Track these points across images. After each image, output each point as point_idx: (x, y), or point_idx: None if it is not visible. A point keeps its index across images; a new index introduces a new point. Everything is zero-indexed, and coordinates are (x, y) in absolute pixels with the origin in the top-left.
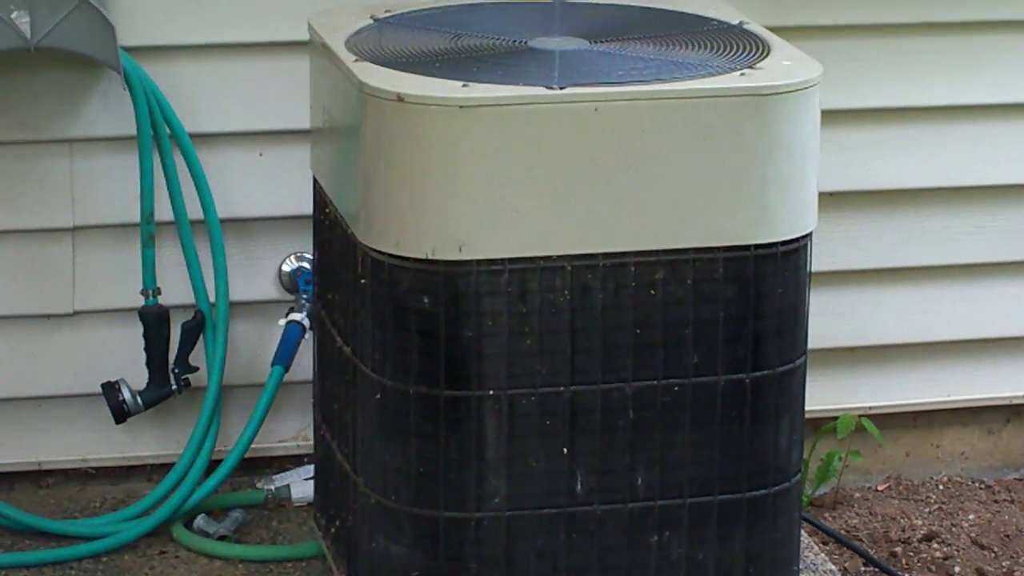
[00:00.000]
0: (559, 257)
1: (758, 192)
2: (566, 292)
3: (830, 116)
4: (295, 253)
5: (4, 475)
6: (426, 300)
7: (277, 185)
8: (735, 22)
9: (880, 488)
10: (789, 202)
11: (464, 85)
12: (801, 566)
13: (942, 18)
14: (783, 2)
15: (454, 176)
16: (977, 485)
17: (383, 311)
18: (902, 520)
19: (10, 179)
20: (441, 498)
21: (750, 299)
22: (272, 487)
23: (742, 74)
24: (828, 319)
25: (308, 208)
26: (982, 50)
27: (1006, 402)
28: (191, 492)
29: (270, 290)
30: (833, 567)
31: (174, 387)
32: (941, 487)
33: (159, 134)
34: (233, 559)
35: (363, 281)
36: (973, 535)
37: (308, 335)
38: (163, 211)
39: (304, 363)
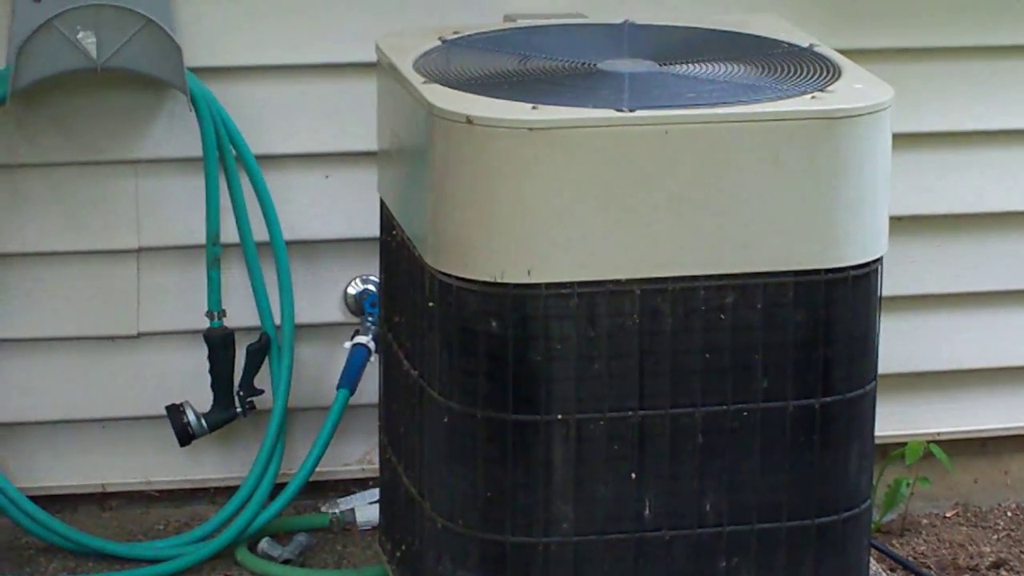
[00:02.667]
0: (628, 281)
1: (829, 216)
2: (635, 316)
3: (901, 139)
4: (361, 276)
5: (68, 497)
6: (494, 323)
7: (343, 207)
8: (805, 45)
9: (948, 515)
10: (860, 226)
11: (533, 107)
12: None
13: (1014, 41)
14: (854, 25)
15: (523, 199)
16: None
17: (450, 334)
18: (970, 547)
19: (76, 200)
20: (508, 523)
21: (820, 324)
22: (337, 511)
23: (813, 97)
24: (897, 344)
25: (374, 230)
26: None
27: None
28: (255, 515)
29: (335, 313)
30: None
31: (239, 410)
32: (1009, 514)
33: (225, 155)
34: None
35: (430, 304)
36: None
37: (374, 358)
38: (229, 233)
39: (369, 386)
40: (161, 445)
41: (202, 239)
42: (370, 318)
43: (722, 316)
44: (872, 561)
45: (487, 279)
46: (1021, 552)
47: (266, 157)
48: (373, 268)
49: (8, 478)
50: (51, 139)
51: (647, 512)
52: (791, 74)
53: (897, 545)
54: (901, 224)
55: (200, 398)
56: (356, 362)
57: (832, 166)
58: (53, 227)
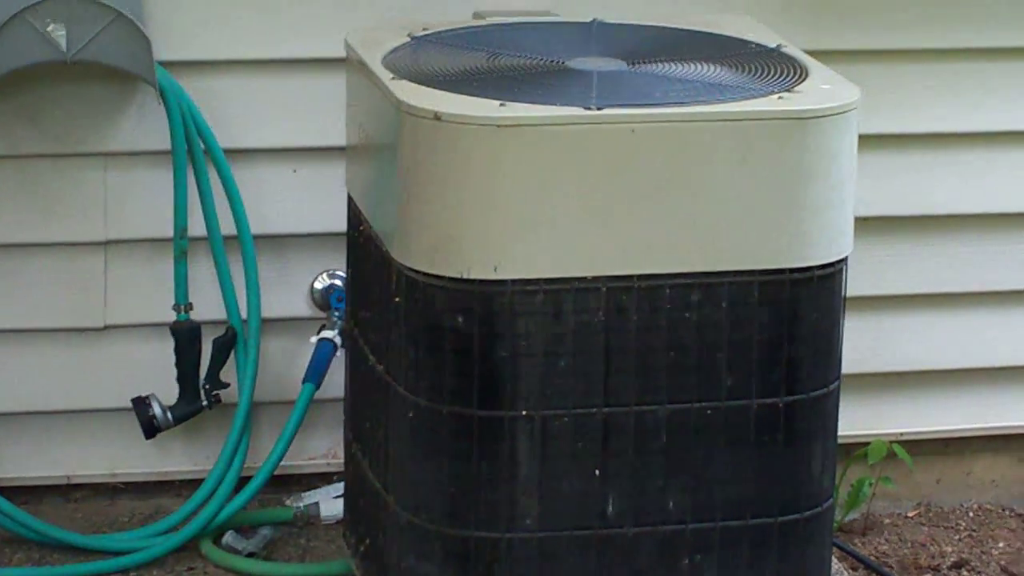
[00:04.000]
0: (594, 278)
1: (794, 216)
2: (601, 313)
3: (867, 140)
4: (328, 270)
5: (33, 488)
6: (461, 319)
7: (311, 202)
8: (773, 45)
9: (910, 514)
10: (825, 226)
11: (502, 104)
12: None
13: (982, 44)
14: (821, 25)
15: (491, 195)
16: (1008, 513)
17: (417, 330)
18: (932, 547)
19: (44, 192)
20: (473, 518)
21: (785, 323)
22: (301, 504)
23: (780, 97)
24: (861, 344)
25: (341, 225)
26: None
27: None
28: (220, 508)
29: (302, 307)
30: None
31: (204, 403)
32: (971, 514)
33: (193, 149)
34: None
35: (397, 299)
36: (1003, 563)
37: (340, 353)
38: (196, 226)
39: (335, 381)
40: (127, 437)
41: (170, 232)
42: (336, 313)
43: (687, 314)
44: (834, 560)
45: (454, 275)
46: (982, 552)
47: (235, 151)
48: (340, 263)
49: None
50: (21, 131)
51: (611, 509)
52: (759, 74)
53: (859, 544)
54: (866, 225)
55: (166, 391)
56: (322, 357)
57: (798, 166)
58: (21, 218)
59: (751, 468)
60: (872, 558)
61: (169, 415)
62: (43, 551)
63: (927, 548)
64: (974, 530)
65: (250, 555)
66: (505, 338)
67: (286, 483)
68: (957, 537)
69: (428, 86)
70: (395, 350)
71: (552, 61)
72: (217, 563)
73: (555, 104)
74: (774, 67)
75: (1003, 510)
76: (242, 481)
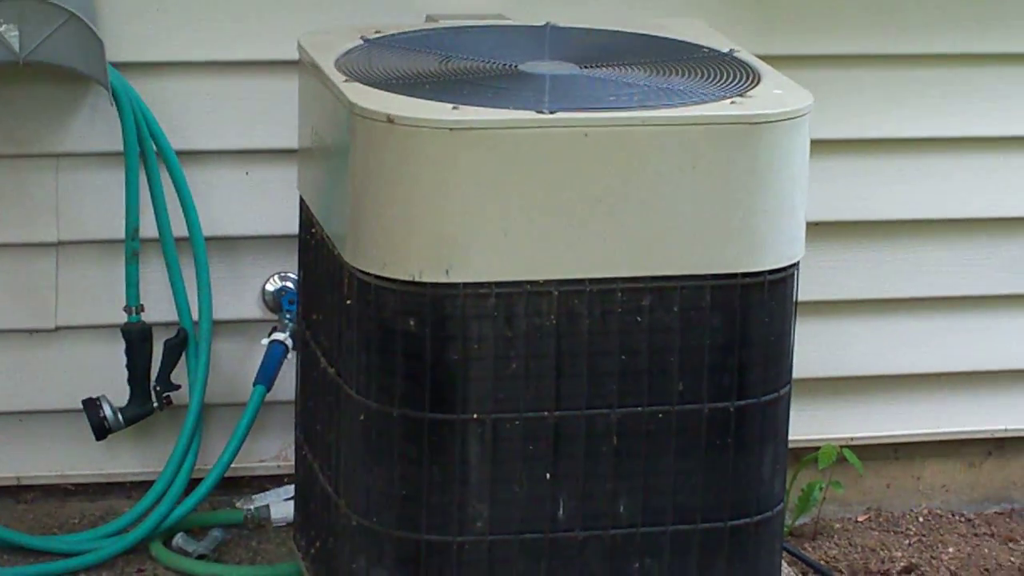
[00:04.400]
0: (546, 282)
1: (746, 220)
2: (552, 317)
3: (819, 146)
4: (279, 272)
5: None
6: (412, 322)
7: (263, 204)
8: (726, 50)
9: (860, 519)
10: (777, 231)
11: (454, 108)
12: None
13: (932, 50)
14: (774, 31)
15: (443, 198)
16: (957, 518)
17: (368, 333)
18: (882, 552)
19: None
20: (423, 521)
21: (736, 327)
22: (252, 507)
23: (732, 102)
24: (812, 349)
25: (294, 228)
26: (972, 82)
27: (988, 435)
28: (170, 510)
29: (254, 309)
30: None
31: (155, 404)
32: (921, 519)
33: (145, 150)
34: None
35: (349, 302)
36: (953, 568)
37: (291, 355)
38: (148, 228)
39: (286, 383)
40: (77, 439)
41: (122, 234)
42: (288, 315)
43: (639, 318)
44: (784, 564)
45: (406, 278)
46: (932, 557)
47: (187, 153)
48: (292, 265)
49: None
50: None
51: (561, 512)
52: (711, 79)
53: (809, 549)
54: (817, 230)
55: (117, 392)
56: (273, 359)
57: (750, 171)
58: None
59: (702, 472)
60: (822, 563)
61: (120, 416)
62: None
63: (877, 553)
64: (924, 535)
65: (200, 557)
66: (456, 341)
67: (236, 485)
68: (907, 542)
69: (381, 89)
70: (347, 353)
71: (505, 65)
72: (167, 565)
73: (508, 107)
74: (727, 72)
75: (953, 515)
76: (192, 483)
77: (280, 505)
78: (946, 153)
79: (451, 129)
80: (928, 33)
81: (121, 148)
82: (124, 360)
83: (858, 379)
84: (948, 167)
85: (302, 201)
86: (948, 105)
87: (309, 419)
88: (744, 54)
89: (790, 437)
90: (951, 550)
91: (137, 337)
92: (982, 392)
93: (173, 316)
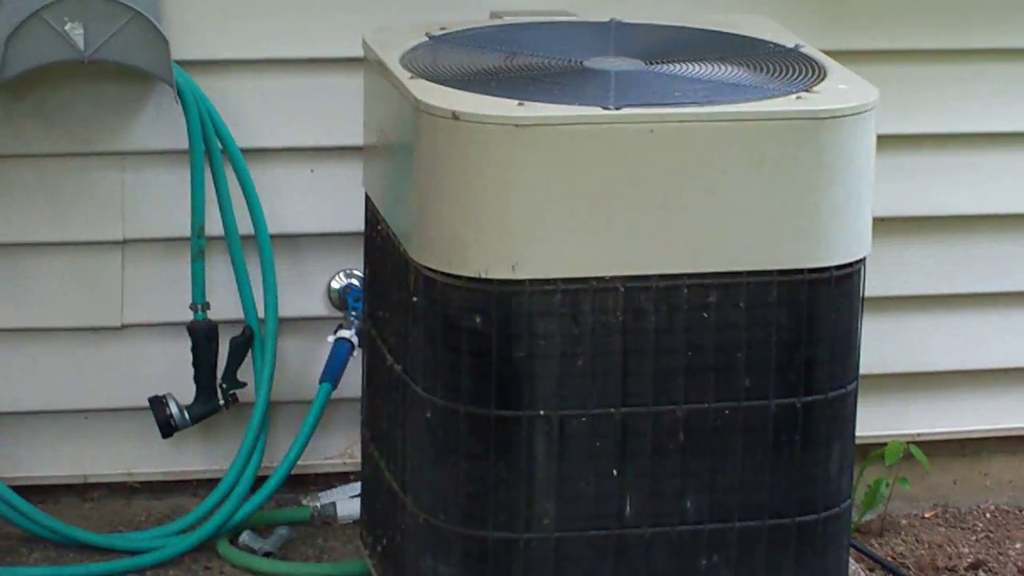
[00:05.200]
0: (612, 278)
1: (812, 216)
2: (618, 313)
3: (886, 141)
4: (345, 270)
5: (50, 488)
6: (478, 319)
7: (328, 201)
8: (791, 45)
9: (927, 515)
10: (843, 227)
11: (520, 104)
12: None
13: (1001, 44)
14: (840, 26)
15: (508, 195)
16: None
17: (434, 330)
18: (949, 548)
19: (61, 191)
20: (490, 518)
21: (803, 323)
22: (318, 504)
23: (798, 97)
24: (879, 345)
25: (358, 225)
26: None
27: None
28: (237, 508)
29: (319, 307)
30: None
31: (221, 402)
32: (988, 515)
33: (211, 148)
34: None
35: (415, 299)
36: (1020, 564)
37: (356, 353)
38: (213, 226)
39: (352, 381)
40: (143, 437)
41: (187, 231)
42: (353, 312)
43: (705, 315)
44: (851, 561)
45: (471, 275)
46: (999, 553)
47: (252, 150)
48: (357, 263)
49: None
50: (38, 130)
51: (628, 509)
52: (777, 74)
53: (876, 545)
54: (885, 225)
55: (183, 390)
56: (339, 356)
57: (816, 166)
58: (39, 218)
59: (768, 469)
60: (889, 559)
61: (186, 414)
62: (60, 550)
63: (944, 549)
64: (991, 531)
65: (267, 555)
66: (523, 338)
67: (303, 483)
68: (974, 538)
69: (446, 85)
70: (413, 350)
71: (570, 61)
72: (234, 563)
73: (573, 104)
74: (792, 67)
75: (1020, 511)
76: (259, 481)
77: (346, 503)
78: (1016, 148)
79: (516, 125)
80: (996, 28)
81: (186, 146)
82: (190, 358)
83: (925, 375)
84: (1016, 161)
85: (367, 198)
86: (1018, 100)
87: (375, 416)
88: (809, 49)
89: (857, 433)
90: (1018, 546)
91: (203, 335)
92: None
93: (239, 314)
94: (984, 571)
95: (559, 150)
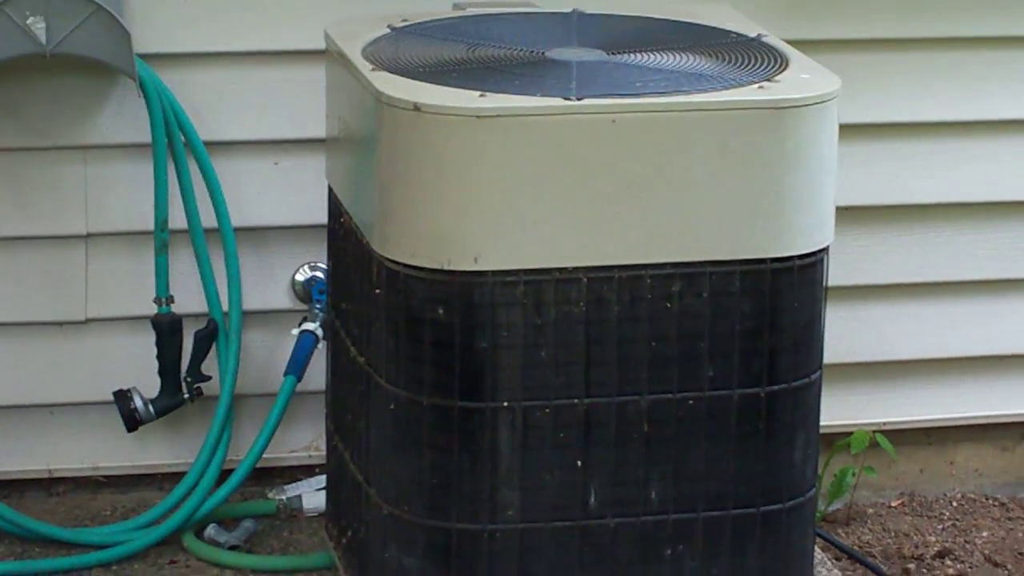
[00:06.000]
0: (575, 269)
1: (775, 205)
2: (581, 304)
3: (848, 130)
4: (309, 262)
5: (15, 482)
6: (441, 311)
7: (292, 194)
8: (753, 35)
9: (893, 504)
10: (806, 216)
11: (481, 95)
12: None
13: (961, 33)
14: (801, 15)
15: (470, 186)
16: (991, 502)
17: (397, 321)
18: (915, 536)
19: (24, 185)
20: (454, 510)
21: (766, 313)
22: (284, 497)
23: (760, 87)
24: (843, 334)
25: (323, 217)
26: (1001, 65)
27: (1021, 419)
28: (202, 501)
29: (283, 299)
30: None
31: (186, 396)
32: (955, 504)
33: (174, 142)
34: (244, 569)
35: (378, 291)
36: (987, 552)
37: (321, 345)
38: (177, 219)
39: (317, 373)
40: (108, 431)
41: (151, 225)
42: (318, 305)
43: (668, 304)
44: (817, 550)
45: (434, 266)
46: (966, 542)
47: (215, 143)
48: (321, 255)
49: None
50: (0, 124)
51: (592, 500)
52: (739, 64)
53: (843, 534)
54: (847, 214)
55: (148, 384)
56: (304, 349)
57: (779, 156)
58: (2, 212)
59: (733, 458)
60: (856, 548)
61: (151, 408)
62: (25, 545)
63: (911, 538)
64: (957, 519)
65: (232, 548)
66: (486, 329)
67: (268, 476)
68: (941, 527)
69: (408, 77)
70: (376, 342)
71: (532, 52)
72: (199, 556)
73: (535, 95)
74: (754, 57)
75: (986, 499)
76: (224, 474)
77: (312, 495)
78: (979, 137)
79: (478, 117)
80: (958, 16)
81: (149, 139)
82: (154, 351)
83: (891, 364)
84: (981, 150)
85: (331, 190)
86: (980, 88)
87: (340, 409)
88: (772, 39)
89: (822, 422)
90: (985, 534)
91: (167, 328)
92: (1014, 376)
93: (203, 307)
94: (951, 559)
95: (521, 141)
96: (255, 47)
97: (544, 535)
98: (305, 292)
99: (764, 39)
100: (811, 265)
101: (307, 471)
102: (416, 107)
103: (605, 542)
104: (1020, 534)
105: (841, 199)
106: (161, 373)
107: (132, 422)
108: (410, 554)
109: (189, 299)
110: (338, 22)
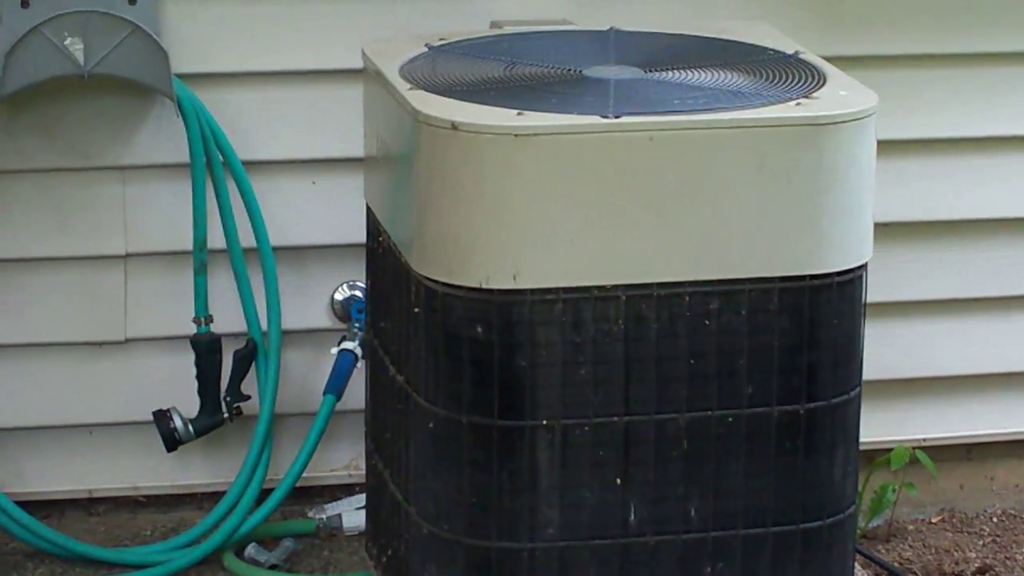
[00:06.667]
0: (613, 287)
1: (813, 222)
2: (620, 322)
3: (886, 146)
4: (348, 281)
5: (55, 502)
6: (479, 329)
7: (330, 213)
8: (790, 52)
9: (934, 520)
10: (844, 232)
11: (519, 114)
12: None
13: (998, 48)
14: (839, 32)
15: (508, 205)
16: None
17: (436, 340)
18: (956, 553)
19: (63, 206)
20: (494, 528)
21: (805, 329)
22: (323, 516)
23: (798, 104)
24: (883, 350)
25: (361, 236)
26: None
27: None
28: (242, 521)
29: (322, 319)
30: None
31: (225, 415)
32: (995, 520)
33: (212, 161)
34: None
35: (416, 310)
36: None
37: (360, 364)
38: (216, 239)
39: (356, 392)
40: (148, 451)
41: (189, 245)
42: (357, 324)
43: (707, 322)
44: (858, 567)
45: (472, 285)
46: (1006, 558)
47: (253, 163)
48: (360, 274)
49: None
50: (39, 145)
51: (632, 517)
52: (776, 81)
53: (883, 551)
54: (887, 230)
55: (187, 404)
56: (343, 368)
57: (817, 172)
58: (41, 232)
59: (772, 475)
60: (896, 564)
61: (190, 428)
62: (65, 565)
63: (951, 554)
64: (998, 535)
65: (272, 567)
66: (524, 348)
67: (308, 495)
68: (981, 543)
69: (445, 96)
70: (415, 360)
71: (569, 70)
72: (239, 575)
73: (572, 113)
74: (792, 73)
75: None
76: (264, 493)
77: (352, 514)
78: (1018, 152)
79: (515, 135)
80: (996, 32)
81: (187, 159)
82: (194, 371)
83: (930, 380)
84: (1017, 165)
85: (369, 209)
86: (1021, 104)
87: (379, 427)
88: (809, 55)
89: (862, 439)
90: None
91: (206, 348)
92: None
93: (242, 327)
94: (991, 575)
95: (558, 159)
96: (292, 66)
97: (584, 553)
98: (344, 311)
99: (801, 56)
100: (850, 281)
101: (347, 490)
102: (454, 126)
103: (645, 560)
104: None
105: (882, 215)
106: (200, 393)
107: (172, 442)
108: (450, 573)
109: (228, 319)
110: (375, 41)
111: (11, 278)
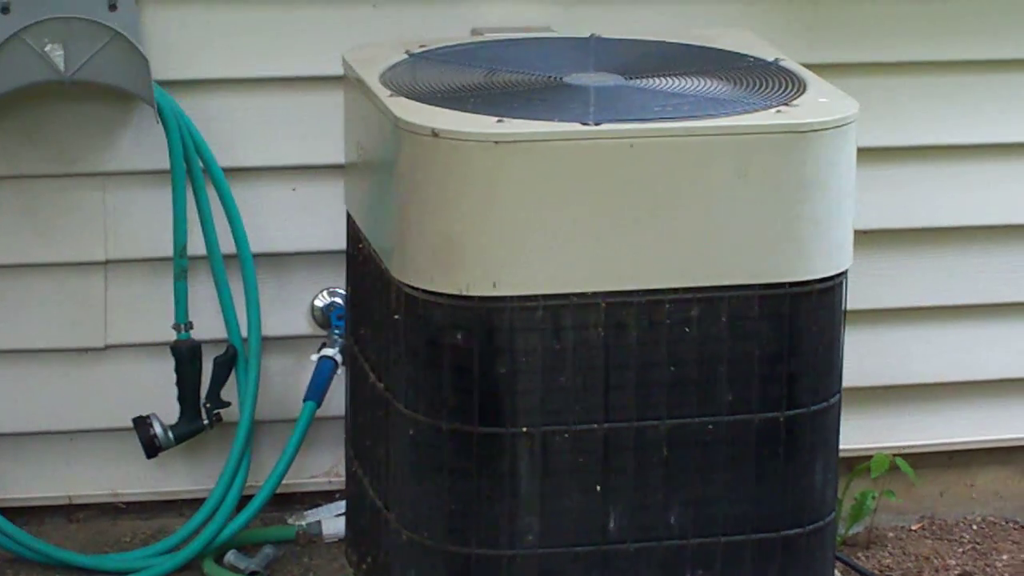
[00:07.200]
0: (593, 294)
1: (794, 229)
2: (600, 329)
3: (866, 153)
4: (328, 288)
5: (35, 509)
6: (460, 336)
7: (310, 220)
8: (771, 59)
9: (914, 528)
10: (825, 240)
11: (499, 120)
12: None
13: (979, 56)
14: (819, 39)
15: (488, 212)
16: (1011, 525)
17: (416, 347)
18: (936, 560)
19: (43, 212)
20: (473, 535)
21: (785, 337)
22: (303, 523)
23: (778, 111)
24: (863, 357)
25: (341, 243)
26: (1020, 88)
27: None
28: (222, 527)
29: (303, 325)
30: None
31: (206, 422)
32: (975, 527)
33: (192, 168)
34: None
35: (396, 317)
36: (1007, 575)
37: (340, 371)
38: (196, 245)
39: (336, 399)
40: (128, 457)
41: (169, 251)
42: (337, 331)
43: (687, 329)
44: (838, 574)
45: (453, 292)
46: (987, 565)
47: (233, 169)
48: (340, 281)
49: None
50: (19, 151)
51: (612, 525)
52: (757, 88)
53: (863, 558)
54: (866, 238)
55: (167, 410)
56: (323, 374)
57: (797, 179)
58: (21, 238)
59: (752, 482)
60: (876, 572)
61: (170, 434)
62: (45, 572)
63: (931, 561)
64: (978, 543)
65: (252, 574)
66: (505, 354)
67: (288, 501)
68: (961, 550)
69: (425, 103)
70: (395, 367)
71: (550, 77)
72: None
73: (553, 120)
74: (772, 81)
75: (1007, 522)
76: (244, 500)
77: (332, 521)
78: (999, 159)
79: (496, 142)
80: (978, 39)
81: (168, 166)
82: (174, 378)
83: (910, 387)
84: (1001, 173)
85: (349, 216)
86: (1001, 111)
87: (359, 434)
88: (789, 63)
89: (842, 446)
90: (1005, 557)
91: (186, 354)
92: None
93: (222, 333)
94: None
95: (539, 166)
96: (273, 73)
97: (564, 560)
98: (324, 318)
99: (782, 63)
100: (830, 289)
101: (327, 497)
102: (434, 133)
103: (625, 567)
104: None
105: (862, 223)
106: (180, 399)
107: (152, 448)
108: None
109: (208, 325)
110: (355, 48)
111: None
